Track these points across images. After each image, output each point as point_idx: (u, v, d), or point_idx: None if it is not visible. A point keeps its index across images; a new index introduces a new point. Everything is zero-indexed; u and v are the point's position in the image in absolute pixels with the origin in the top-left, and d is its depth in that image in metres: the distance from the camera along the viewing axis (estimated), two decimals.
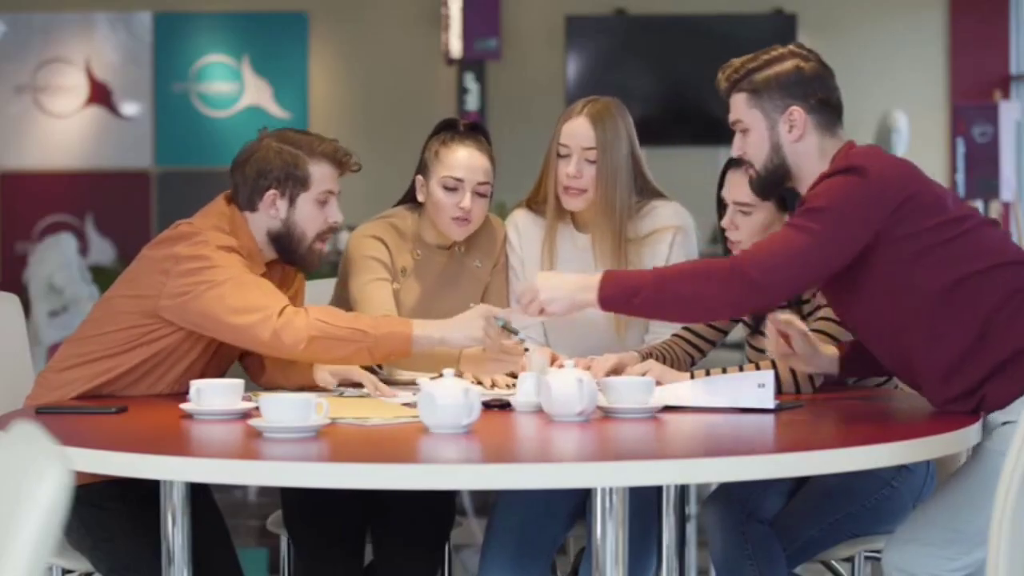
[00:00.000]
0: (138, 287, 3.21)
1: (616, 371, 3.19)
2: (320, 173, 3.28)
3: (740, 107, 3.01)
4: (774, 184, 3.03)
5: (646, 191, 3.58)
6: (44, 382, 3.24)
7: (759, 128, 2.99)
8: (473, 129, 3.59)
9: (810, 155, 2.98)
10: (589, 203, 3.53)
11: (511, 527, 3.31)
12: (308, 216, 3.28)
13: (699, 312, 2.95)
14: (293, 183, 3.26)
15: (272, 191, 3.26)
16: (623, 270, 3.01)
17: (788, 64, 2.99)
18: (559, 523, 3.36)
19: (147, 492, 2.89)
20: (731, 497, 3.22)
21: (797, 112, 2.96)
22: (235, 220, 3.27)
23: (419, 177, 3.59)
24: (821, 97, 2.99)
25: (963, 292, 2.82)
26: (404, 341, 3.12)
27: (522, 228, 3.64)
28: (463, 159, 3.52)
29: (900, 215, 2.82)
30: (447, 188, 3.51)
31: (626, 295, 2.89)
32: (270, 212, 3.27)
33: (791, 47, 3.03)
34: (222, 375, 3.31)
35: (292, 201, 3.27)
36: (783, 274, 2.83)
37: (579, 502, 3.31)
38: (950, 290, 2.82)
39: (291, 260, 3.33)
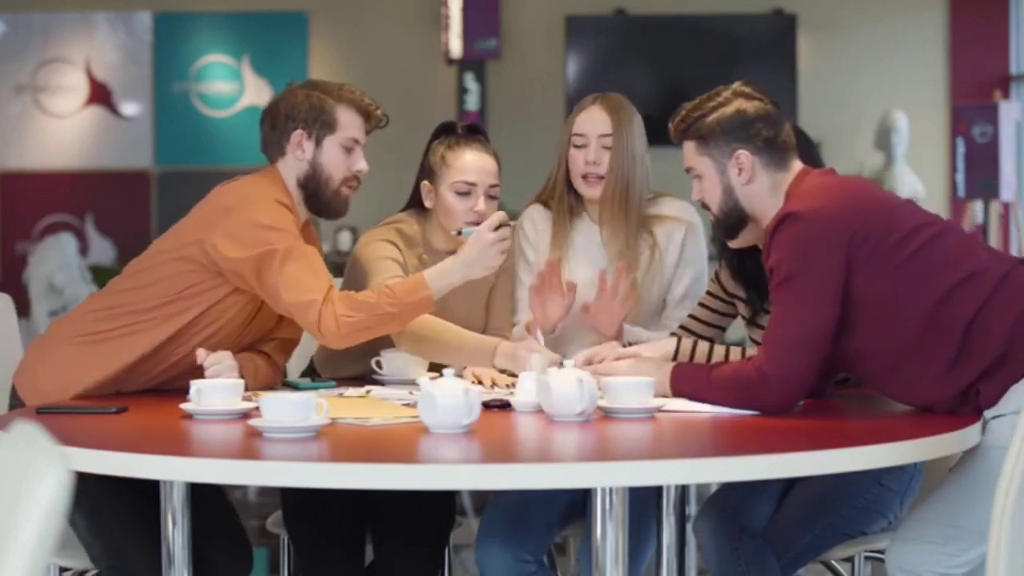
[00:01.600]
0: (187, 237, 3.24)
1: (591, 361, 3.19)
2: (346, 118, 3.35)
3: (691, 155, 3.07)
4: (734, 226, 3.07)
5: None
6: (64, 351, 3.24)
7: (710, 174, 3.05)
8: (473, 131, 3.60)
9: (762, 195, 3.02)
10: (606, 190, 3.56)
11: (508, 506, 3.32)
12: (334, 160, 3.34)
13: (754, 411, 2.96)
14: (320, 125, 3.33)
15: (299, 131, 3.33)
16: (685, 369, 3.06)
17: (730, 108, 3.02)
18: (557, 505, 3.36)
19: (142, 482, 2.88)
20: (723, 512, 3.20)
21: (744, 155, 3.00)
22: (275, 178, 3.33)
23: (425, 183, 3.58)
24: (767, 137, 3.01)
25: (942, 310, 2.85)
26: (427, 303, 3.26)
27: (538, 222, 3.66)
28: (473, 163, 3.52)
29: (857, 242, 2.84)
30: (460, 193, 3.51)
31: (695, 398, 2.98)
32: (297, 154, 3.33)
33: (735, 87, 3.06)
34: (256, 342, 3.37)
35: (318, 142, 3.34)
36: (801, 354, 2.86)
37: (580, 489, 3.30)
38: (931, 309, 2.85)
39: (318, 207, 3.37)
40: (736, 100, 3.03)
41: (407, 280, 3.30)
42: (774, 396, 2.87)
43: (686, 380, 3.00)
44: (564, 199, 3.63)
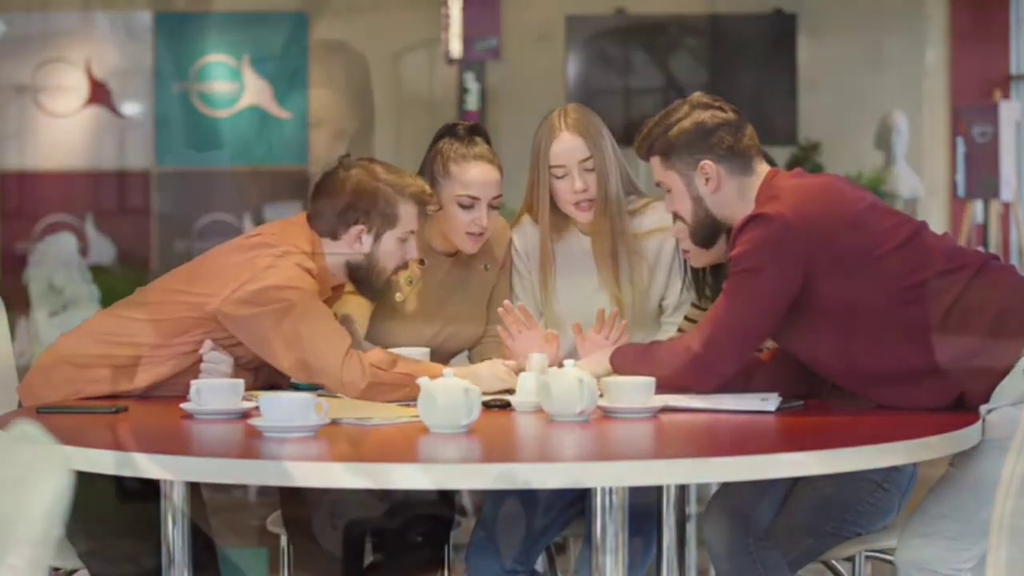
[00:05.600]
0: (203, 286, 3.19)
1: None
2: (407, 213, 3.29)
3: (658, 170, 3.13)
4: (710, 234, 3.12)
5: (633, 188, 3.58)
6: (63, 364, 3.22)
7: (678, 186, 3.10)
8: (474, 132, 3.56)
9: (731, 202, 3.06)
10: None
11: (498, 515, 3.31)
12: (389, 253, 3.29)
13: (678, 389, 3.02)
14: (382, 220, 3.27)
15: (360, 226, 3.26)
16: (625, 350, 3.14)
17: (688, 121, 3.07)
18: (552, 510, 3.35)
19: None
20: (735, 517, 3.18)
21: (708, 165, 3.05)
22: (314, 242, 3.28)
23: None
24: (728, 144, 3.06)
25: (905, 308, 2.89)
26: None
27: (529, 236, 3.62)
28: (478, 176, 3.48)
29: (820, 249, 2.89)
30: (463, 206, 3.49)
31: (633, 370, 3.04)
32: (354, 245, 3.28)
33: (693, 99, 3.12)
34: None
35: (377, 237, 3.28)
36: (731, 345, 2.96)
37: (577, 491, 3.29)
38: (894, 305, 2.89)
39: (364, 290, 3.34)
40: (694, 112, 3.08)
41: (430, 363, 3.26)
42: (694, 376, 2.97)
43: (626, 355, 3.10)
44: (547, 219, 3.57)
